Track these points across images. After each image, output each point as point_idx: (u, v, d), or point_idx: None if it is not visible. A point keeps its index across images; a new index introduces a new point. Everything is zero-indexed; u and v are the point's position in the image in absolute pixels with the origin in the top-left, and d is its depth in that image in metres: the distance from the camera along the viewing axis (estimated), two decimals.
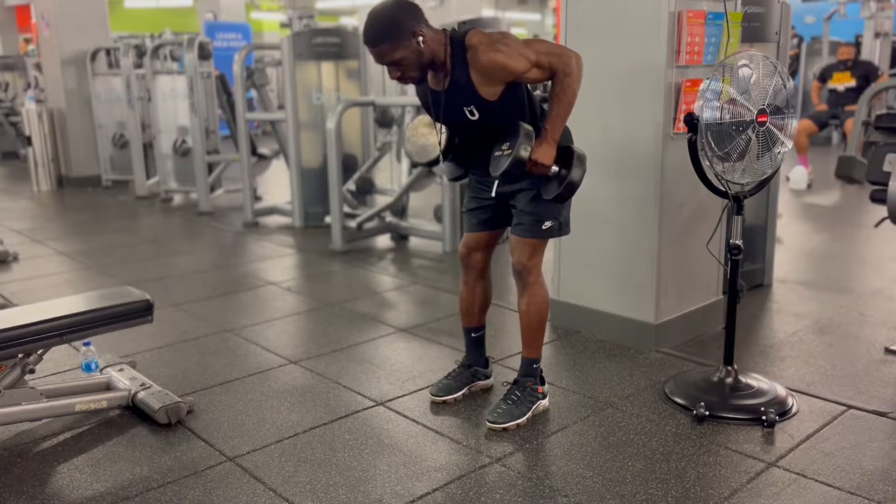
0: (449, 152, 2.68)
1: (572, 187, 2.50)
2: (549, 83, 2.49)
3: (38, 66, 9.91)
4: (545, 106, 2.58)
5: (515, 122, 2.47)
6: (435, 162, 2.74)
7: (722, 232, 3.42)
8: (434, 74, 2.52)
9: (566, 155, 2.50)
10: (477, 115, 2.50)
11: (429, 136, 2.73)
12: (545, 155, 2.45)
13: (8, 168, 10.65)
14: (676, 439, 2.62)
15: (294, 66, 6.12)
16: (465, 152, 2.70)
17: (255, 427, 2.76)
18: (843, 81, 8.01)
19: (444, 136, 2.65)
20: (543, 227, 2.63)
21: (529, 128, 2.45)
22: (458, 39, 2.45)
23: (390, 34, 2.37)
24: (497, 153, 2.49)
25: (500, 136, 2.51)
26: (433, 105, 2.59)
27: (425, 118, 2.77)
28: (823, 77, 8.27)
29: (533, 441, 2.64)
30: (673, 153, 3.24)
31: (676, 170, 3.25)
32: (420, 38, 2.39)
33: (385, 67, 2.47)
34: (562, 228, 2.70)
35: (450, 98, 2.51)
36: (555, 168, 2.48)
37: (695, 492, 2.30)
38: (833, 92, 8.09)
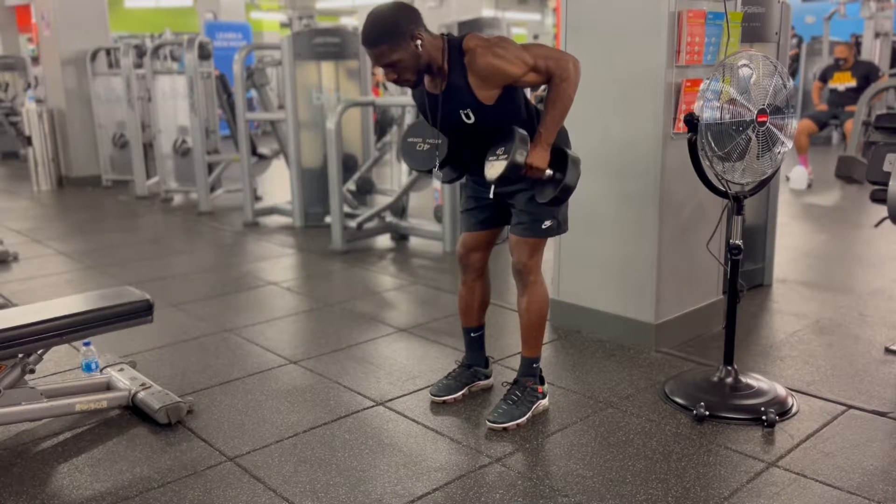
0: (445, 159, 2.68)
1: (568, 190, 2.50)
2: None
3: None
4: (540, 107, 2.58)
5: (510, 127, 2.47)
6: (431, 169, 2.73)
7: (722, 232, 3.42)
8: (431, 79, 2.54)
9: (560, 158, 2.50)
10: (473, 119, 2.51)
11: (427, 141, 2.72)
12: (540, 158, 2.46)
13: (8, 168, 10.65)
14: (676, 439, 2.62)
15: (294, 66, 6.13)
16: (462, 154, 2.71)
17: (255, 427, 2.76)
18: (843, 81, 8.00)
19: (441, 143, 2.65)
20: (543, 227, 2.63)
21: (524, 132, 2.45)
22: (456, 43, 2.47)
23: (388, 36, 2.38)
24: (492, 158, 2.50)
25: (494, 141, 2.51)
26: (429, 108, 2.60)
27: (418, 125, 2.77)
28: (824, 77, 8.26)
29: (533, 441, 2.64)
30: (673, 153, 3.24)
31: (676, 170, 3.24)
32: (418, 42, 2.40)
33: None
34: (560, 227, 2.70)
35: (446, 101, 2.52)
36: (549, 171, 2.48)
37: (695, 492, 2.30)
38: (833, 91, 8.08)
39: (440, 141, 2.65)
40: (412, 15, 2.44)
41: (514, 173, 2.43)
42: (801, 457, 2.48)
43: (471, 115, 2.50)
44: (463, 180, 2.85)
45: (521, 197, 2.63)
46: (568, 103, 2.47)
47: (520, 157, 2.41)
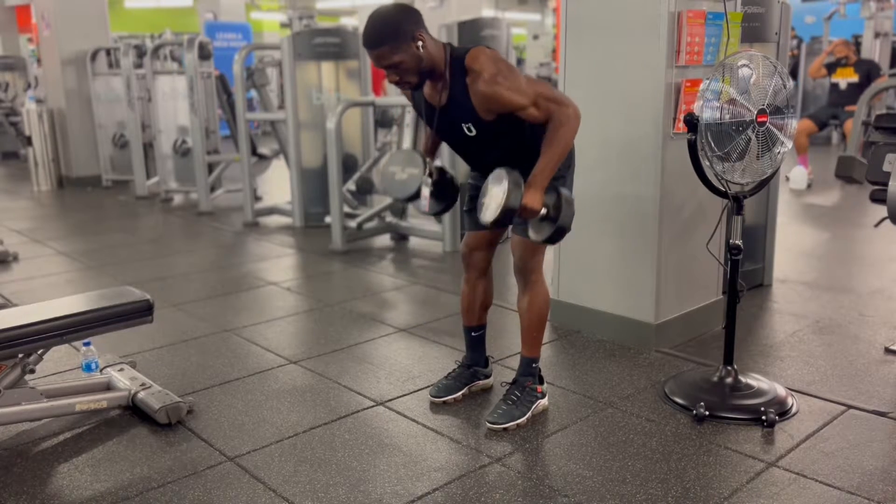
0: (431, 190, 2.66)
1: (562, 232, 2.48)
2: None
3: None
4: None
5: (504, 169, 2.44)
6: (415, 196, 2.69)
7: (722, 232, 3.42)
8: (432, 85, 2.53)
9: (555, 197, 2.48)
10: (475, 132, 2.52)
11: (406, 169, 2.68)
12: (534, 200, 2.42)
13: (8, 168, 10.65)
14: (676, 439, 2.62)
15: (294, 66, 6.13)
16: (465, 157, 2.71)
17: (255, 427, 2.76)
18: (846, 76, 7.99)
19: (420, 170, 2.62)
20: None
21: (517, 175, 2.42)
22: (458, 56, 2.46)
23: (390, 37, 2.37)
24: (485, 199, 2.47)
25: (488, 182, 2.48)
26: (427, 118, 2.61)
27: (400, 153, 2.74)
28: (829, 67, 8.23)
29: (533, 441, 2.64)
30: (673, 153, 3.24)
31: (676, 170, 3.25)
32: (420, 43, 2.40)
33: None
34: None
35: (447, 114, 2.53)
36: (543, 211, 2.47)
37: (695, 492, 2.30)
38: (835, 88, 8.07)
39: (419, 170, 2.61)
40: (413, 16, 2.43)
41: (508, 217, 2.41)
42: (801, 457, 2.48)
43: (472, 128, 2.51)
44: (464, 180, 2.85)
45: None
46: (565, 149, 2.44)
47: (514, 202, 2.38)
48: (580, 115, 2.46)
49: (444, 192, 2.76)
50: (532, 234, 2.55)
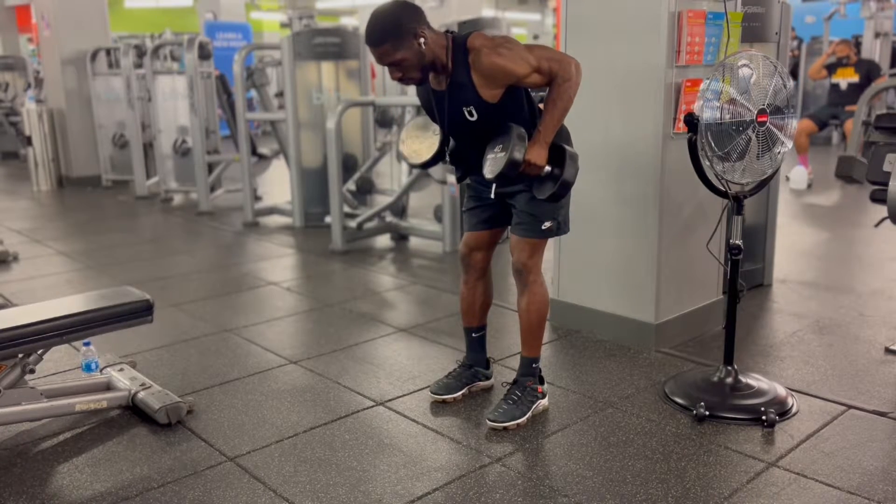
0: (443, 154, 2.69)
1: (566, 186, 2.51)
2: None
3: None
4: (542, 106, 2.59)
5: (508, 125, 2.48)
6: (429, 164, 2.74)
7: (722, 232, 3.42)
8: (435, 76, 2.55)
9: (558, 154, 2.51)
10: (476, 116, 2.51)
11: (423, 138, 2.74)
12: (538, 156, 2.47)
13: (8, 168, 10.65)
14: (676, 439, 2.62)
15: (294, 66, 6.13)
16: (464, 153, 2.71)
17: (255, 427, 2.76)
18: (846, 76, 7.99)
19: (439, 139, 2.66)
20: (543, 227, 2.64)
21: (522, 129, 2.46)
22: (460, 41, 2.47)
23: (392, 35, 2.38)
24: (490, 155, 2.51)
25: (493, 139, 2.53)
26: (434, 104, 2.61)
27: (419, 120, 2.79)
28: (830, 67, 8.23)
29: (533, 441, 2.64)
30: (673, 153, 3.24)
31: (676, 170, 3.25)
32: (421, 40, 2.41)
33: (385, 68, 2.49)
34: (560, 228, 2.70)
35: (449, 98, 2.53)
36: (547, 168, 2.50)
37: (695, 492, 2.30)
38: (835, 88, 8.07)
39: (437, 137, 2.67)
40: (415, 13, 2.44)
41: (512, 170, 2.44)
42: (801, 457, 2.48)
43: (473, 112, 2.51)
44: (466, 180, 2.85)
45: (521, 197, 2.63)
46: (568, 104, 2.48)
47: (518, 154, 2.42)
48: (581, 70, 2.49)
49: (461, 160, 2.77)
50: (536, 192, 2.57)
